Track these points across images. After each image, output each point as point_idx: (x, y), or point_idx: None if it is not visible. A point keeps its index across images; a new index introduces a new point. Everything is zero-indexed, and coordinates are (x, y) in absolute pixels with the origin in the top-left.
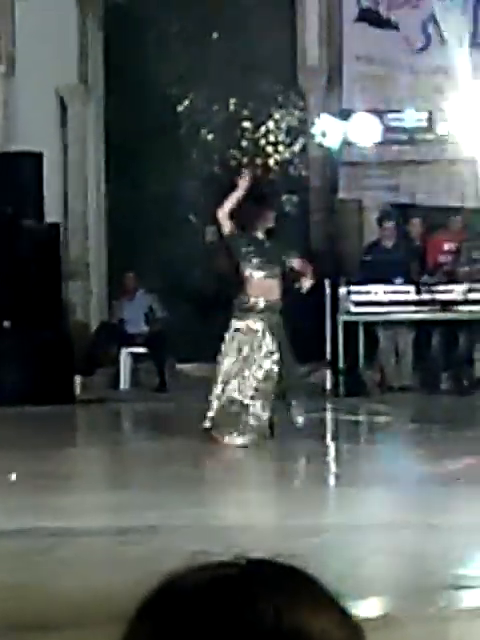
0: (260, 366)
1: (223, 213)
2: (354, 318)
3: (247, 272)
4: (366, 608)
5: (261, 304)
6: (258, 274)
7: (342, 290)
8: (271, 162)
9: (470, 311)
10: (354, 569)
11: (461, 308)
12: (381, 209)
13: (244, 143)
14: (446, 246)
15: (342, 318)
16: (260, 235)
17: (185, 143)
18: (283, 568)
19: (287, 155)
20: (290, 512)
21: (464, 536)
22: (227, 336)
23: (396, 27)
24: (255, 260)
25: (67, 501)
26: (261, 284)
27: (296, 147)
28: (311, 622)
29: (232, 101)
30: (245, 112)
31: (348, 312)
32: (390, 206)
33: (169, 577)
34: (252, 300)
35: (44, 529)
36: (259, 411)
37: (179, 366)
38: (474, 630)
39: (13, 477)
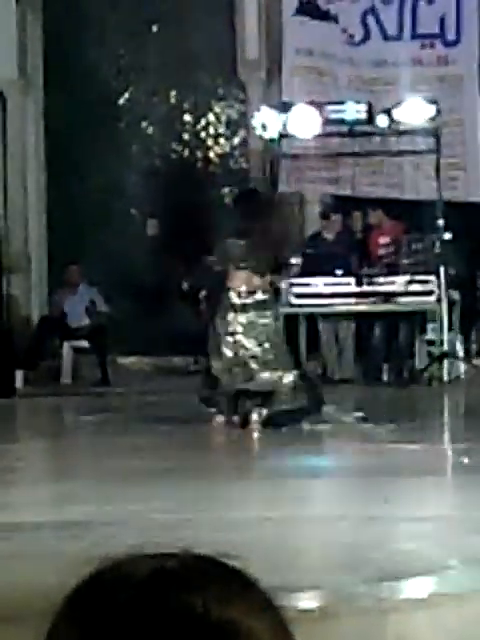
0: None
1: None
2: (295, 310)
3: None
4: (303, 600)
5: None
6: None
7: (283, 283)
8: (211, 155)
9: (411, 303)
10: (292, 561)
11: (402, 300)
12: (324, 202)
13: (185, 136)
14: (382, 240)
15: (283, 310)
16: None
17: (126, 136)
18: (217, 563)
19: (227, 148)
20: (229, 505)
21: (402, 527)
22: None
23: (335, 19)
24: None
25: (8, 495)
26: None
27: (236, 140)
28: (240, 617)
29: (172, 94)
30: (185, 105)
31: (289, 304)
32: (331, 198)
33: (101, 566)
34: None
35: None
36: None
37: (120, 360)
38: (412, 622)
39: None
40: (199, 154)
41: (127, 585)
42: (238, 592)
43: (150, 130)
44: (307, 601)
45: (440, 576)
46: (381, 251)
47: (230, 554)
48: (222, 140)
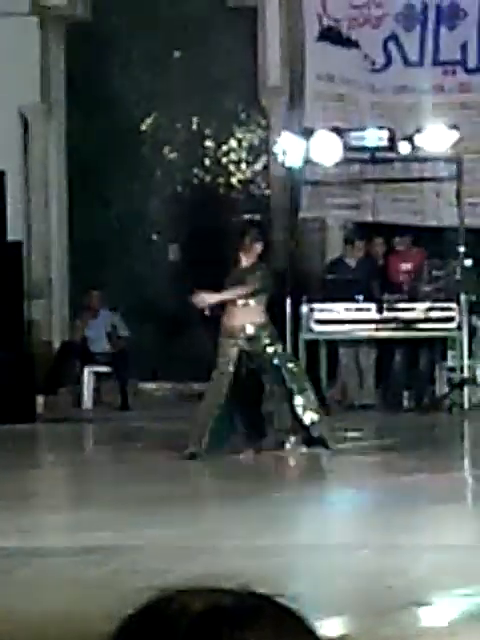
0: None
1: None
2: (316, 336)
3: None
4: (327, 628)
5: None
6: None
7: (304, 308)
8: (233, 180)
9: (431, 329)
10: (315, 588)
11: (422, 326)
12: (347, 228)
13: (207, 162)
14: (403, 267)
15: (304, 336)
16: (244, 263)
17: (148, 162)
18: (271, 601)
19: (249, 174)
20: (253, 532)
21: (425, 555)
22: None
23: (357, 46)
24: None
25: (28, 521)
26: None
27: (258, 166)
28: None
29: (195, 120)
30: (208, 131)
31: (310, 330)
32: (353, 225)
33: (157, 596)
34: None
35: (4, 549)
36: None
37: (141, 385)
38: None
39: None
40: (221, 180)
41: (181, 619)
42: (289, 631)
43: (172, 156)
44: (330, 629)
45: (461, 604)
46: (402, 277)
47: (249, 582)
48: (244, 166)
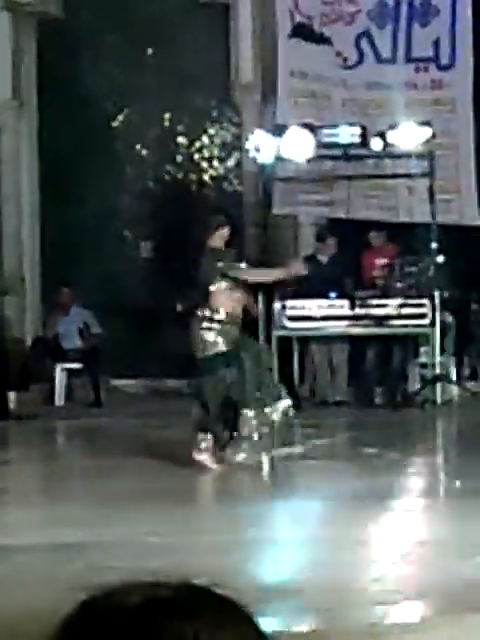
0: None
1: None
2: (288, 333)
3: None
4: (294, 624)
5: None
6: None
7: (276, 305)
8: (206, 177)
9: (404, 326)
10: (281, 585)
11: (395, 323)
12: (319, 224)
13: (179, 158)
14: (378, 262)
15: (276, 333)
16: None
17: (120, 158)
18: (210, 592)
19: (221, 170)
20: (218, 528)
21: (394, 550)
22: None
23: (330, 42)
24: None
25: (1, 518)
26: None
27: (230, 162)
28: None
29: (167, 116)
30: (180, 127)
31: (282, 327)
32: (326, 221)
33: (94, 592)
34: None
35: None
36: None
37: (114, 382)
38: None
39: None
40: (193, 177)
41: (119, 613)
42: (229, 621)
43: (144, 152)
44: (298, 625)
45: (430, 600)
46: (375, 273)
47: (222, 577)
48: (216, 163)
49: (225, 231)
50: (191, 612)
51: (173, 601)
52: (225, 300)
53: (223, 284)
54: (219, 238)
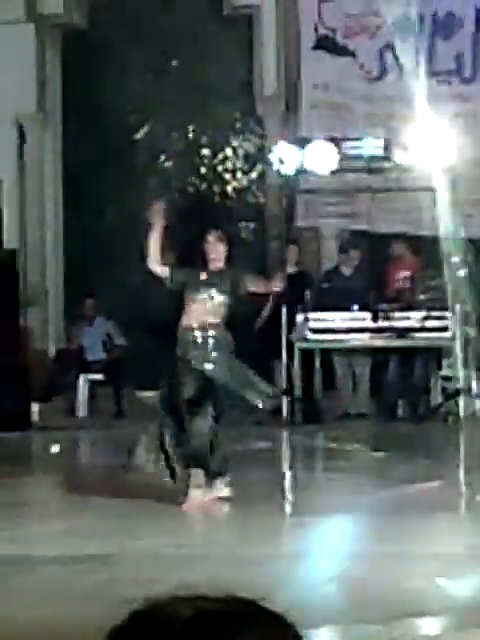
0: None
1: (154, 262)
2: (311, 345)
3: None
4: (321, 637)
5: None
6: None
7: (299, 317)
8: (229, 189)
9: (426, 339)
10: (308, 598)
11: (417, 335)
12: (343, 237)
13: (202, 170)
14: (402, 274)
15: (299, 345)
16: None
17: (143, 170)
18: (257, 606)
19: (245, 182)
20: (243, 541)
21: (418, 565)
22: None
23: (353, 55)
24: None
25: (22, 529)
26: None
27: (254, 174)
28: None
29: (190, 128)
30: (203, 139)
31: (305, 339)
32: (348, 233)
33: (147, 603)
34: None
35: None
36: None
37: (137, 393)
38: None
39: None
40: (216, 188)
41: (171, 626)
42: (278, 635)
43: (168, 164)
44: (324, 638)
45: (454, 614)
46: (398, 285)
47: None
48: (239, 174)
49: (221, 247)
50: (242, 625)
51: (224, 614)
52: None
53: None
54: (217, 253)
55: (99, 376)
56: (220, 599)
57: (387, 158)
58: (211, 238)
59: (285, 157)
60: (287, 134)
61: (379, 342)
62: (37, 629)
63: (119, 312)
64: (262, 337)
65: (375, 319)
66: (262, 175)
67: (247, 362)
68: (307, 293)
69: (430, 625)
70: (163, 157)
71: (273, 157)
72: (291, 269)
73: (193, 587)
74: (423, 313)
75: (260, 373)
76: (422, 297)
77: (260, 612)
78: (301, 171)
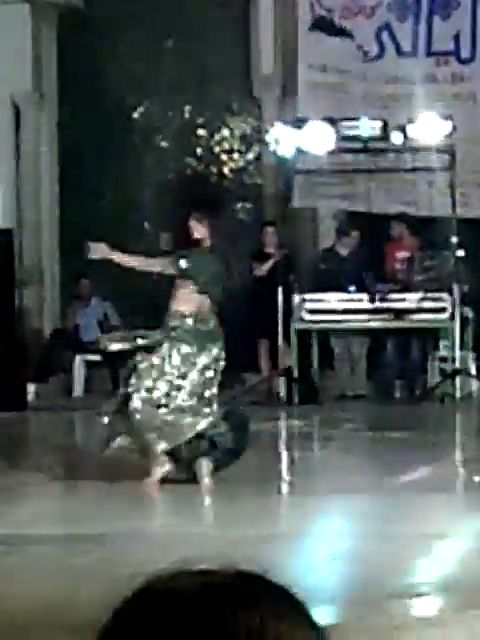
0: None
1: (153, 267)
2: (308, 326)
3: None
4: (316, 617)
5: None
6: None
7: (296, 298)
8: (225, 170)
9: (423, 320)
10: (305, 577)
11: (414, 317)
12: (340, 218)
13: (199, 151)
14: (400, 255)
15: (296, 326)
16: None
17: (139, 150)
18: (262, 579)
19: (241, 163)
20: (238, 521)
21: (416, 545)
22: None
23: (350, 36)
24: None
25: (16, 509)
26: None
27: (250, 155)
28: (293, 632)
29: (187, 109)
30: (200, 120)
31: (302, 320)
32: (345, 215)
33: (153, 579)
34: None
35: None
36: None
37: None
38: (425, 639)
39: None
40: (213, 169)
41: (180, 600)
42: (289, 608)
43: (164, 144)
44: (320, 617)
45: (451, 594)
46: (397, 266)
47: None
48: (236, 155)
49: (201, 228)
50: (251, 599)
51: (231, 588)
52: None
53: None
54: (197, 234)
55: (95, 356)
56: (226, 573)
57: (385, 138)
58: (192, 220)
59: (282, 138)
60: (284, 115)
61: (376, 323)
62: (32, 607)
63: (115, 292)
64: (250, 315)
65: (372, 300)
66: (259, 156)
67: (235, 341)
68: (291, 276)
69: (428, 605)
70: (159, 137)
71: (270, 138)
72: (271, 250)
73: (191, 564)
74: (420, 294)
75: (247, 352)
76: (419, 278)
77: (268, 585)
78: (298, 152)
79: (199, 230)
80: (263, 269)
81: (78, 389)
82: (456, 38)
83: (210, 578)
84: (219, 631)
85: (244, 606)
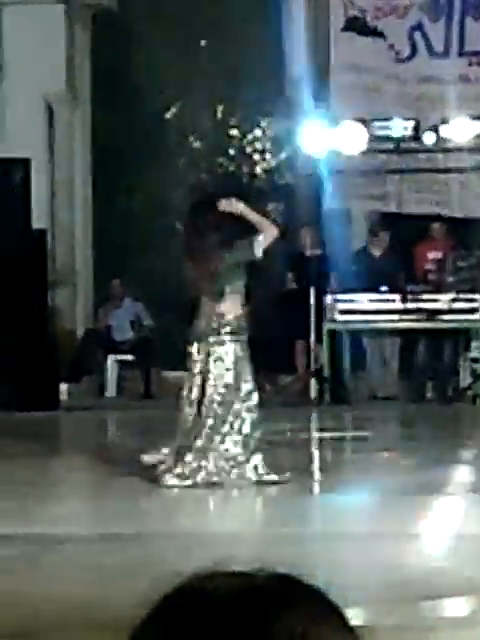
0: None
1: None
2: (339, 326)
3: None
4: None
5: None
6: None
7: (328, 298)
8: (258, 170)
9: (455, 320)
10: (334, 578)
11: (446, 317)
12: (373, 219)
13: (231, 151)
14: (432, 255)
15: (327, 326)
16: None
17: (172, 150)
18: (296, 581)
19: (274, 163)
20: (270, 520)
21: (447, 545)
22: None
23: (383, 36)
24: None
25: (50, 509)
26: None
27: (283, 155)
28: (332, 636)
29: (220, 109)
30: (232, 120)
31: (333, 320)
32: (378, 215)
33: (190, 579)
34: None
35: (27, 537)
36: None
37: (165, 373)
38: None
39: None
40: (245, 169)
41: (219, 600)
42: (327, 611)
43: (196, 145)
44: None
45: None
46: (429, 266)
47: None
48: (268, 155)
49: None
50: (291, 602)
51: (270, 589)
52: None
53: None
54: None
55: (127, 356)
56: (263, 575)
57: (417, 139)
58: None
59: (314, 138)
60: (317, 115)
61: (407, 324)
62: (66, 607)
63: (147, 293)
64: (284, 318)
65: (404, 301)
66: (291, 156)
67: (270, 343)
68: (332, 275)
69: (459, 606)
70: (192, 138)
71: (302, 138)
72: (309, 252)
73: (224, 565)
74: (452, 295)
75: (282, 353)
76: (451, 279)
77: (306, 588)
78: (331, 152)
79: None
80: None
81: (110, 389)
82: None
83: (248, 579)
84: (261, 634)
85: (286, 608)
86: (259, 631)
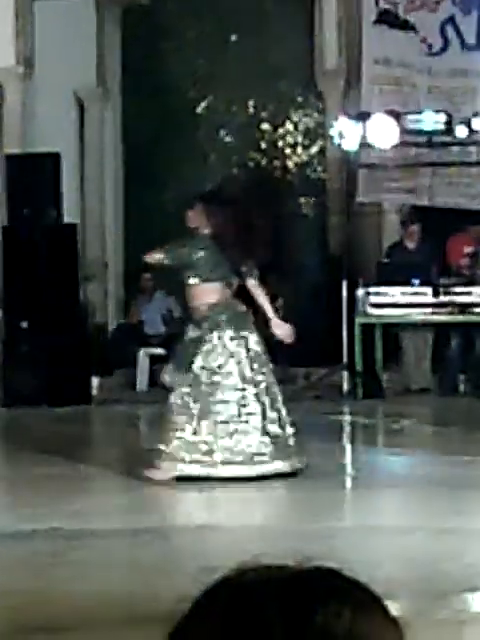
0: None
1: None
2: (371, 320)
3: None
4: None
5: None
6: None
7: (359, 291)
8: (289, 164)
9: None
10: (368, 572)
11: (479, 311)
12: (405, 211)
13: (263, 145)
14: (465, 248)
15: (359, 320)
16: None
17: (203, 145)
18: (338, 574)
19: (305, 157)
20: (305, 515)
21: (478, 539)
22: None
23: (414, 29)
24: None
25: (82, 503)
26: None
27: (314, 149)
28: (378, 630)
29: (251, 103)
30: (264, 114)
31: (365, 314)
32: (410, 208)
33: (233, 571)
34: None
35: (59, 531)
36: None
37: None
38: None
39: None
40: (277, 163)
41: (267, 592)
42: (373, 603)
43: (228, 139)
44: None
45: None
46: (462, 260)
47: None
48: (300, 149)
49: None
50: (338, 595)
51: (315, 582)
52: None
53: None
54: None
55: (159, 350)
56: (306, 568)
57: (449, 132)
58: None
59: (346, 132)
60: (348, 109)
61: (440, 317)
62: (98, 601)
63: (178, 286)
64: (316, 311)
65: (436, 294)
66: (323, 150)
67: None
68: (364, 268)
69: None
70: (223, 132)
71: (334, 132)
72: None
73: (260, 559)
74: None
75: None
76: None
77: (349, 581)
78: (362, 145)
79: (195, 220)
80: None
81: (142, 383)
82: None
83: (291, 571)
84: (310, 623)
85: (332, 598)
86: (307, 620)
